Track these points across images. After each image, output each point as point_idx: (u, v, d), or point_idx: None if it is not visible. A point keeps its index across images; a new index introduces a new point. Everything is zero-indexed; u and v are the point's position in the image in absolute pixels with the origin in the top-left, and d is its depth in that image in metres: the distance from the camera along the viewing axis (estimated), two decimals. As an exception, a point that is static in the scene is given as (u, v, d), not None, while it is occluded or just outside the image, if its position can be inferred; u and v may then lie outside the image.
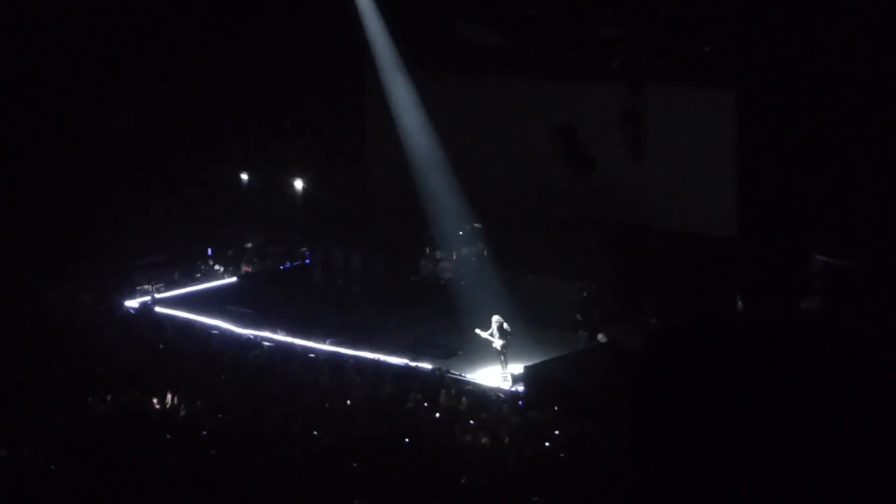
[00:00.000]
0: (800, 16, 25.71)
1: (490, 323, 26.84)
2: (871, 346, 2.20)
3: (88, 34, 34.48)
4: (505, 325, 26.76)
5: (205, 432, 22.08)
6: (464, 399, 24.32)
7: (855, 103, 25.53)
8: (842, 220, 26.14)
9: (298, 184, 36.52)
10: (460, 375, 26.72)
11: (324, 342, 29.12)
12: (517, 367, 26.39)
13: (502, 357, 26.75)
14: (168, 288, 34.30)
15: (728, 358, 2.20)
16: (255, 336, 29.63)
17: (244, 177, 37.74)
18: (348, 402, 24.11)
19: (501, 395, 25.51)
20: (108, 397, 23.86)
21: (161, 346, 28.47)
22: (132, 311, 32.51)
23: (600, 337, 28.01)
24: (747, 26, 26.92)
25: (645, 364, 2.29)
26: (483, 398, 24.97)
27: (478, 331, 26.93)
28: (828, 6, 25.21)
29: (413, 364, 27.30)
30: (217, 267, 36.12)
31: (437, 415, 23.63)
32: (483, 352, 27.17)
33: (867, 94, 25.33)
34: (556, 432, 22.11)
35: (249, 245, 37.18)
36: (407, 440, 21.77)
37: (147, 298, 33.16)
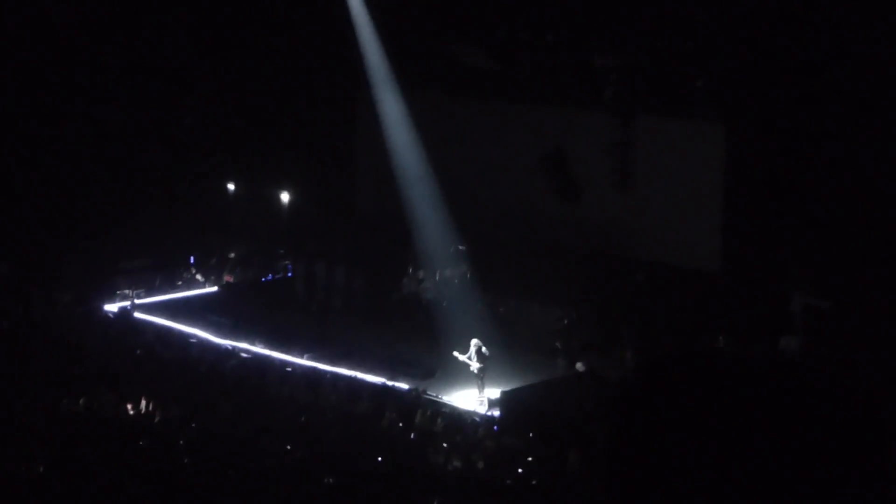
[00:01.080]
0: (792, 54, 25.80)
1: (469, 346, 26.82)
2: (849, 388, 2.22)
3: (79, 38, 34.45)
4: (483, 349, 26.74)
5: (182, 441, 22.00)
6: (439, 420, 24.29)
7: (842, 145, 25.62)
8: (824, 261, 26.21)
9: (285, 196, 36.52)
10: (437, 397, 26.68)
11: (302, 356, 29.07)
12: (494, 392, 26.36)
13: (479, 381, 26.72)
14: (149, 293, 34.23)
15: (710, 396, 2.21)
16: (234, 347, 29.58)
17: (231, 186, 37.71)
18: (323, 418, 24.05)
19: (477, 419, 25.48)
20: (82, 400, 23.77)
21: (138, 351, 28.39)
22: (111, 314, 32.41)
23: (578, 365, 27.99)
24: (740, 62, 27.01)
25: (628, 397, 2.29)
26: (458, 421, 24.94)
27: (456, 353, 26.90)
28: (818, 46, 25.30)
29: (390, 383, 27.26)
30: (198, 276, 36.05)
31: (412, 435, 23.59)
32: (461, 374, 27.14)
33: (854, 136, 25.41)
34: (530, 459, 22.08)
35: (232, 255, 37.14)
36: (380, 458, 21.73)
37: (127, 303, 33.08)
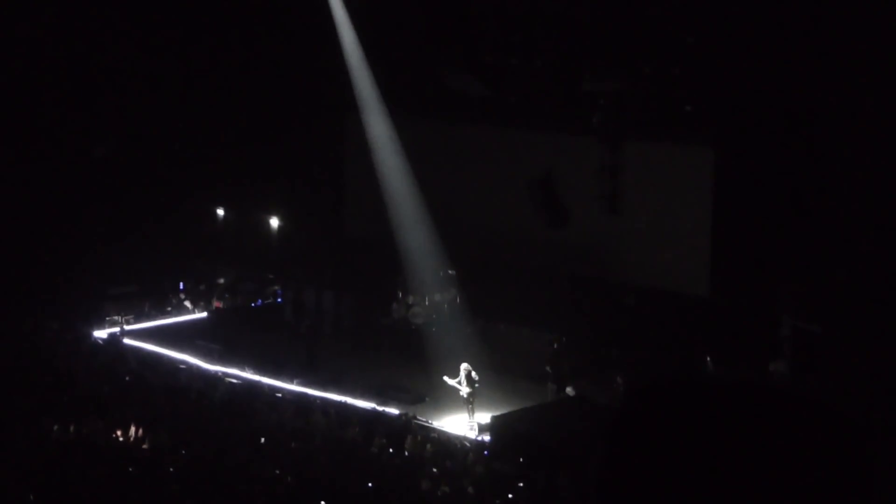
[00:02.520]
0: (781, 79, 25.90)
1: (459, 371, 26.81)
2: (838, 414, 2.24)
3: (67, 62, 34.50)
4: (473, 374, 26.72)
5: (171, 468, 21.94)
6: (429, 446, 24.26)
7: (830, 169, 25.69)
8: (813, 285, 26.25)
9: (274, 221, 36.53)
10: (427, 422, 26.66)
11: (291, 382, 29.04)
12: (484, 417, 26.34)
13: (469, 406, 26.70)
14: (138, 320, 34.17)
15: (700, 421, 2.22)
16: (223, 372, 29.54)
17: (220, 212, 37.71)
18: (312, 444, 24.00)
19: (467, 444, 25.45)
20: (72, 427, 23.69)
21: (127, 378, 28.33)
22: (100, 341, 32.35)
23: (569, 390, 28.01)
24: (728, 87, 27.11)
25: (619, 423, 2.30)
26: (448, 446, 24.91)
27: (446, 378, 26.88)
28: (808, 70, 25.40)
29: (380, 408, 27.23)
30: (187, 302, 36.02)
31: (402, 461, 23.55)
32: (450, 399, 27.12)
33: (844, 159, 25.49)
34: (521, 484, 22.04)
35: (221, 281, 37.12)
36: (370, 484, 21.68)
37: (116, 329, 33.02)
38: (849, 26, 24.53)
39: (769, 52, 25.88)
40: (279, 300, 36.25)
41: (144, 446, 23.39)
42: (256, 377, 29.34)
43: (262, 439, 24.13)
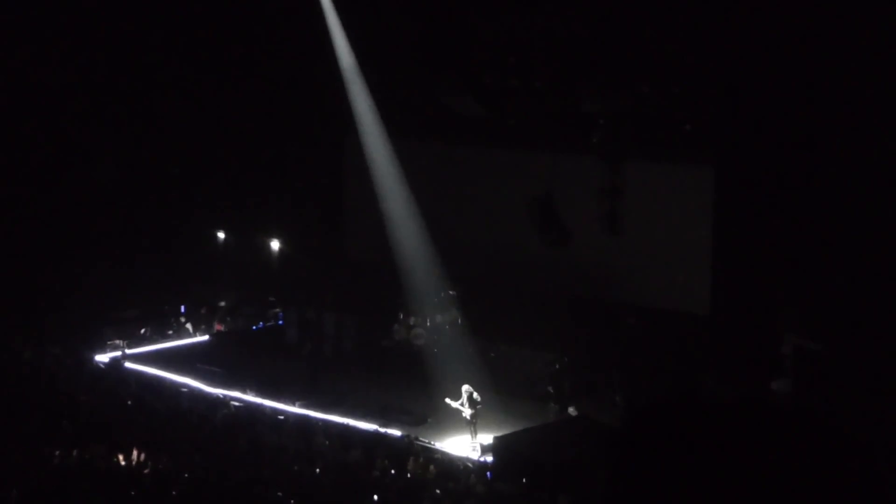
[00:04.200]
0: (781, 97, 25.94)
1: (460, 392, 26.78)
2: (840, 432, 2.24)
3: (69, 84, 34.55)
4: (475, 395, 26.69)
5: (174, 491, 21.90)
6: (431, 467, 24.22)
7: (831, 187, 25.71)
8: (815, 303, 26.24)
9: (275, 244, 36.54)
10: (429, 443, 26.62)
11: (293, 404, 29.01)
12: (487, 437, 26.30)
13: (472, 427, 26.67)
14: (139, 344, 34.15)
15: (702, 439, 2.23)
16: (225, 395, 29.51)
17: (221, 235, 37.72)
18: (315, 467, 23.96)
19: (470, 465, 25.40)
20: (74, 452, 23.66)
21: (129, 402, 28.29)
22: (102, 365, 32.32)
23: (571, 410, 27.99)
24: (728, 106, 27.14)
25: (623, 442, 2.31)
26: (451, 467, 24.87)
27: (448, 400, 26.85)
28: (808, 89, 25.44)
29: (382, 430, 27.20)
30: (188, 326, 35.99)
31: (404, 482, 23.50)
32: (453, 420, 27.09)
33: (843, 178, 25.51)
34: (523, 504, 22.01)
35: (223, 304, 37.10)
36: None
37: (117, 353, 32.99)
38: (849, 44, 24.58)
39: (769, 71, 25.92)
40: (280, 322, 36.23)
41: (146, 470, 23.34)
42: (258, 400, 29.32)
43: (265, 462, 24.08)
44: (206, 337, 35.69)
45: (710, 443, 2.22)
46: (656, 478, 2.22)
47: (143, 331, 33.58)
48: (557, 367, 29.21)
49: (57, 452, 23.59)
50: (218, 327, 36.17)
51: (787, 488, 2.17)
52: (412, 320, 32.31)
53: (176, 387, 30.56)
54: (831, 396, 23.89)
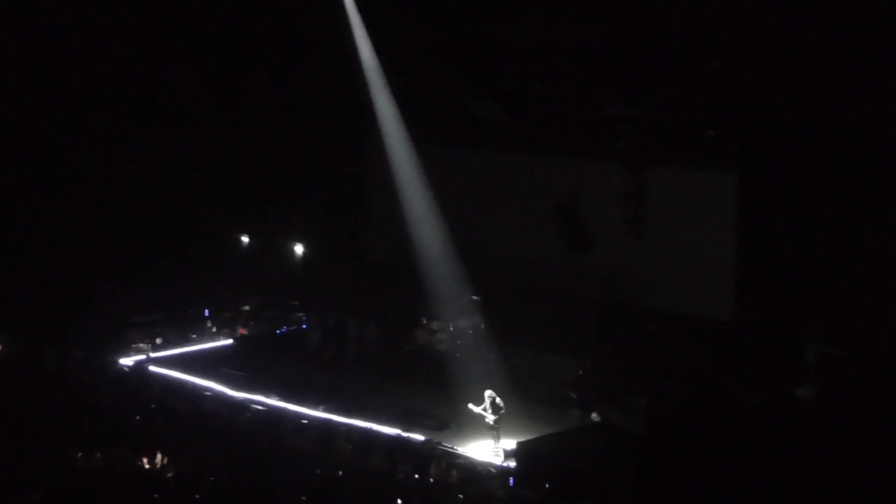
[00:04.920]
0: (804, 102, 25.87)
1: (483, 398, 26.77)
2: (872, 440, 2.24)
3: (90, 89, 34.68)
4: (498, 401, 26.69)
5: (197, 495, 21.95)
6: (454, 472, 24.22)
7: (855, 192, 25.63)
8: (839, 310, 26.14)
9: (298, 248, 36.60)
10: (452, 448, 26.62)
11: (316, 408, 29.06)
12: (509, 443, 26.29)
13: (495, 432, 26.66)
14: (163, 347, 34.24)
15: (732, 447, 2.23)
16: (248, 399, 29.57)
17: (244, 239, 37.80)
18: (337, 471, 23.99)
19: (492, 470, 25.40)
20: (97, 454, 23.73)
21: (153, 405, 28.37)
22: (126, 368, 32.42)
23: (594, 416, 27.95)
24: (752, 111, 27.08)
25: (653, 447, 2.32)
26: (473, 472, 24.86)
27: (471, 406, 26.85)
28: (832, 94, 25.37)
29: (404, 434, 27.22)
30: (212, 329, 36.06)
31: (426, 487, 23.51)
32: (475, 425, 27.08)
33: (868, 184, 25.44)
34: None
35: (246, 308, 37.17)
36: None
37: (141, 357, 33.08)
38: (876, 49, 24.51)
39: (792, 75, 25.86)
40: (303, 327, 36.28)
41: (169, 473, 23.41)
42: (281, 404, 29.36)
43: (287, 465, 24.12)
44: (230, 341, 35.76)
45: (742, 449, 2.22)
46: (686, 485, 2.22)
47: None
48: (580, 372, 29.17)
49: (80, 455, 23.67)
50: (241, 331, 36.24)
51: (820, 497, 2.16)
52: (435, 325, 32.33)
53: (199, 390, 30.63)
54: (855, 404, 23.79)
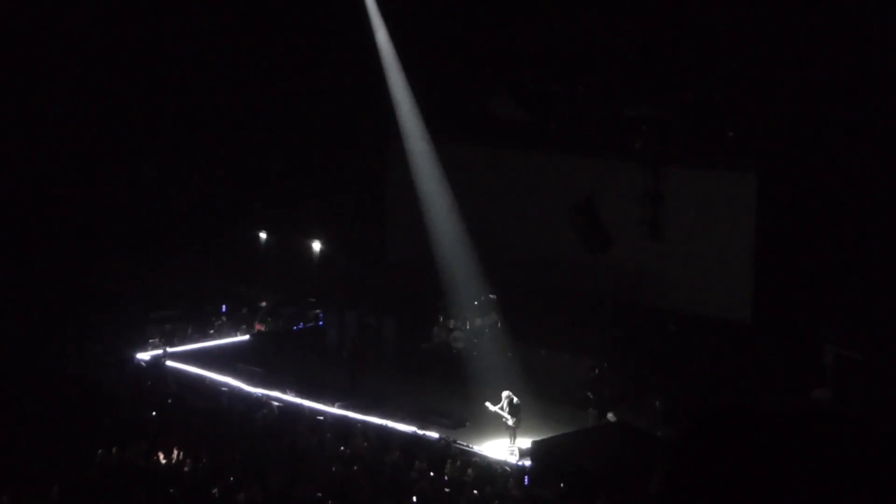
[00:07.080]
0: (824, 104, 25.82)
1: (500, 396, 26.78)
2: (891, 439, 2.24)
3: (115, 85, 34.80)
4: (515, 400, 26.69)
5: (213, 490, 22.02)
6: (469, 470, 24.23)
7: (874, 194, 25.57)
8: (857, 312, 26.08)
9: (316, 245, 36.63)
10: (467, 446, 26.63)
11: (332, 405, 29.09)
12: (525, 442, 26.29)
13: (511, 431, 26.66)
14: (181, 342, 34.29)
15: (763, 448, 2.24)
16: (265, 395, 29.62)
17: (262, 236, 37.86)
18: (353, 467, 24.03)
19: (508, 469, 25.40)
20: (115, 449, 23.82)
21: (170, 400, 28.45)
22: (143, 363, 32.50)
23: (610, 416, 27.91)
24: (771, 112, 27.03)
25: (682, 450, 2.32)
26: (489, 470, 24.86)
27: (487, 404, 26.85)
28: (852, 95, 25.31)
29: (420, 432, 27.24)
30: (230, 325, 36.10)
31: (442, 484, 23.52)
32: (492, 424, 27.08)
33: (886, 185, 25.38)
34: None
35: (264, 304, 37.22)
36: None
37: (159, 352, 33.13)
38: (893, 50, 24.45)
39: (812, 77, 25.80)
40: (321, 324, 36.32)
41: (186, 469, 23.48)
42: (298, 400, 29.40)
43: (303, 462, 24.17)
44: (247, 337, 35.82)
45: (774, 453, 2.22)
46: (716, 488, 2.22)
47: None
48: (597, 372, 29.14)
49: (98, 450, 23.75)
50: (259, 327, 36.28)
51: (848, 497, 2.17)
52: (452, 323, 32.31)
53: (216, 386, 30.69)
54: (872, 406, 23.74)
